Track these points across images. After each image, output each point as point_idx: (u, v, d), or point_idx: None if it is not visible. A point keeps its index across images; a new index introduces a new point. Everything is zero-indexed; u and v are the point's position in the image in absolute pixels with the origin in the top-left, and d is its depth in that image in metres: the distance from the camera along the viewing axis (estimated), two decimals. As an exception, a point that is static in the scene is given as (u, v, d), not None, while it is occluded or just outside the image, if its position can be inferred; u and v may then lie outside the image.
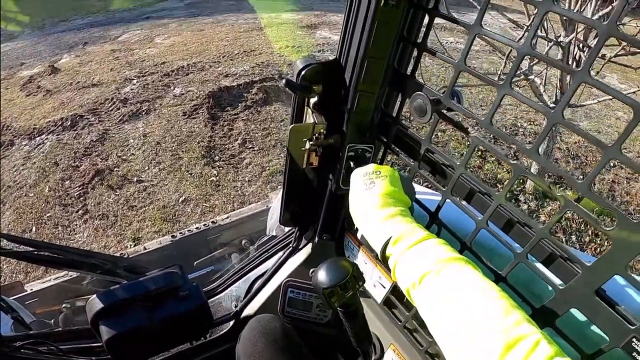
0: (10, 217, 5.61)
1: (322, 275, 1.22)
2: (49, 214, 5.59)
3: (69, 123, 7.60)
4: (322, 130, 1.43)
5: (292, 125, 1.43)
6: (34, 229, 5.33)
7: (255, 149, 6.51)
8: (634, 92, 3.78)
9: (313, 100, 1.41)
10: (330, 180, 1.60)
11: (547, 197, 5.40)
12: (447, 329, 0.85)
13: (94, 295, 1.49)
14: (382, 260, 1.09)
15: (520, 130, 7.17)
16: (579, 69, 0.80)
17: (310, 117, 1.46)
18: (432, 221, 1.35)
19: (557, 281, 1.04)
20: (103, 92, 8.61)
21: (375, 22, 1.19)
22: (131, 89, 8.58)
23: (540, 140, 0.93)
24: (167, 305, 1.58)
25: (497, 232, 1.14)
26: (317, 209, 1.78)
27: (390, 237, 1.05)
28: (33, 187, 6.10)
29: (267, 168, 6.05)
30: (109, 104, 8.06)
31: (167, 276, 1.65)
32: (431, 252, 0.97)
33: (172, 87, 8.52)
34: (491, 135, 6.50)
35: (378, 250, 1.09)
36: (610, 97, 0.85)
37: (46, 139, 7.31)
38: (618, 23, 0.75)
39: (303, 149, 1.45)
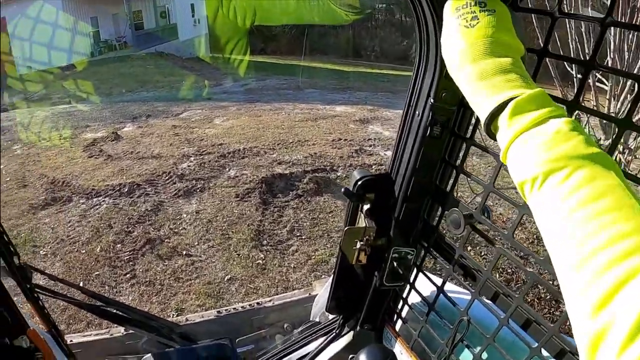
0: (60, 269, 6.09)
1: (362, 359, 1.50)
2: (97, 272, 6.06)
3: (126, 190, 8.26)
4: (372, 234, 1.74)
5: (346, 228, 1.77)
6: (81, 284, 5.76)
7: (303, 237, 6.88)
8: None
9: (366, 207, 1.74)
10: (375, 277, 1.89)
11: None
12: (578, 252, 0.65)
13: (149, 355, 1.74)
14: (487, 132, 0.88)
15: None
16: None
17: (362, 221, 1.79)
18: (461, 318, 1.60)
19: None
20: (161, 165, 9.34)
21: (422, 148, 1.54)
22: (188, 166, 9.27)
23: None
24: None
25: (516, 328, 1.39)
26: (361, 301, 2.05)
27: (508, 101, 0.82)
28: (85, 245, 6.63)
29: (313, 257, 6.37)
30: (166, 177, 8.73)
31: (219, 347, 1.91)
32: (566, 139, 0.75)
33: (227, 169, 9.14)
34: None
35: (483, 116, 0.87)
36: None
37: (103, 201, 7.95)
38: None
39: (354, 248, 1.77)
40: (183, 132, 11.62)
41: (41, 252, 6.67)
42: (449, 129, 1.49)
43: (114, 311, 2.08)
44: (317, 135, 11.40)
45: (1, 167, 9.86)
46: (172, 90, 17.77)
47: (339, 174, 8.84)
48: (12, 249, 1.72)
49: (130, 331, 3.60)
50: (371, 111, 14.10)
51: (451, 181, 1.60)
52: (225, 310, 4.10)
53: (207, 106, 14.68)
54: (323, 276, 5.82)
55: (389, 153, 10.00)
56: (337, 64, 26.84)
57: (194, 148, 10.38)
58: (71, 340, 3.26)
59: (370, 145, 10.56)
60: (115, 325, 3.09)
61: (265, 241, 6.77)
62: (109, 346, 3.36)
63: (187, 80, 20.21)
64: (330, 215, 7.50)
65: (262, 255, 6.44)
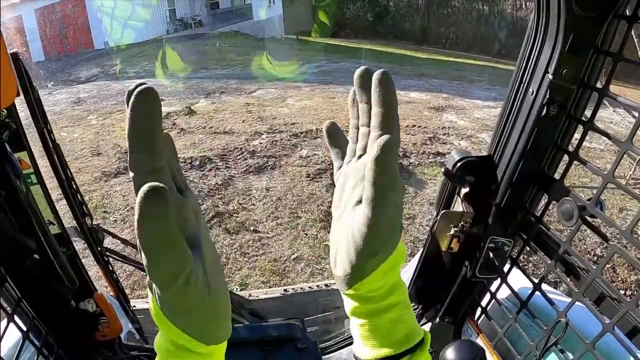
0: (129, 236, 6.18)
1: (450, 353, 1.38)
2: (165, 242, 6.20)
3: (197, 163, 8.43)
4: (468, 219, 1.63)
5: (443, 211, 1.65)
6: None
7: (373, 223, 6.79)
8: None
9: (464, 190, 1.62)
10: (465, 266, 1.77)
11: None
12: None
13: None
14: None
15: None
16: None
17: (459, 206, 1.67)
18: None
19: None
20: (233, 141, 9.46)
21: (534, 131, 1.40)
22: (260, 143, 9.37)
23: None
24: (284, 353, 1.79)
25: (622, 337, 1.25)
26: (445, 291, 1.94)
27: None
28: (155, 214, 6.81)
29: (384, 244, 6.28)
30: (237, 153, 8.85)
31: (290, 327, 1.86)
32: None
33: (299, 148, 9.18)
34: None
35: None
36: None
37: (174, 173, 8.14)
38: None
39: (448, 233, 1.66)
40: (256, 110, 11.75)
41: (111, 218, 6.91)
42: (565, 110, 1.34)
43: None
44: (391, 120, 11.16)
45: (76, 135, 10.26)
46: (246, 68, 17.96)
47: (411, 160, 8.69)
48: (85, 209, 1.71)
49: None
50: (446, 99, 13.82)
51: (561, 168, 1.45)
52: (292, 289, 4.10)
53: (280, 86, 14.76)
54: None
55: (463, 143, 9.81)
56: (412, 49, 26.37)
57: (266, 126, 10.47)
58: (134, 306, 3.34)
59: (444, 134, 10.37)
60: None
61: (334, 222, 6.73)
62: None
63: (260, 60, 20.39)
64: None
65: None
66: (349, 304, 0.80)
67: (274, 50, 23.36)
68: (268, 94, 13.67)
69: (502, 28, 28.02)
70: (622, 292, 5.65)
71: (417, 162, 8.58)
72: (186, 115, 11.41)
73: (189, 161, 8.50)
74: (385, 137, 0.68)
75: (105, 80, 16.88)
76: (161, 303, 0.65)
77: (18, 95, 1.13)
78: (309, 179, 7.88)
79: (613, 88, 1.24)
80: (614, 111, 9.74)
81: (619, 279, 5.58)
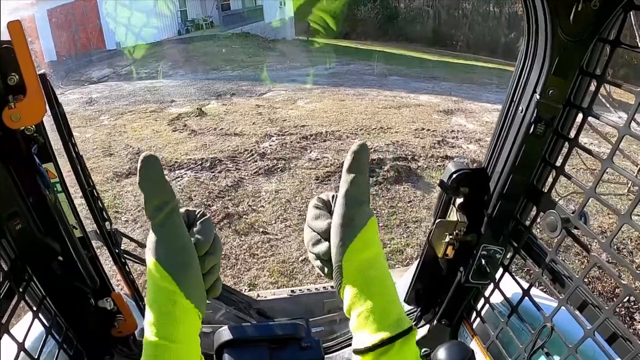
0: (140, 236, 6.26)
1: (442, 354, 1.48)
2: (176, 243, 6.31)
3: (208, 164, 8.56)
4: (462, 228, 1.72)
5: (438, 220, 1.75)
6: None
7: (380, 224, 6.86)
8: None
9: (459, 200, 1.72)
10: (460, 272, 1.84)
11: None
12: None
13: (225, 327, 1.73)
14: None
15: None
16: None
17: (454, 215, 1.76)
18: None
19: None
20: (243, 143, 9.60)
21: (523, 147, 1.49)
22: (270, 145, 9.50)
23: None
24: (289, 352, 1.78)
25: (602, 342, 1.32)
26: (442, 295, 2.02)
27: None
28: (166, 215, 6.92)
29: (388, 245, 6.35)
30: (248, 155, 8.99)
31: (295, 326, 1.92)
32: None
33: (308, 151, 9.30)
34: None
35: None
36: None
37: (185, 174, 8.29)
38: None
39: (443, 241, 1.75)
40: (266, 112, 11.87)
41: (123, 218, 7.04)
42: (552, 127, 1.44)
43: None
44: (400, 123, 11.35)
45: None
46: (257, 70, 18.11)
47: (420, 163, 8.75)
48: (104, 214, 1.83)
49: (207, 301, 3.75)
50: (456, 102, 13.87)
51: (549, 182, 1.55)
52: (299, 290, 4.17)
53: (291, 88, 14.89)
54: (397, 266, 5.81)
55: (472, 147, 9.85)
56: (422, 52, 26.40)
57: (277, 128, 10.60)
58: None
59: (453, 138, 10.42)
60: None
61: (342, 225, 6.80)
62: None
63: (271, 61, 20.52)
64: (409, 205, 7.46)
65: (337, 240, 6.47)
66: (348, 292, 1.00)
67: (284, 51, 23.49)
68: (278, 96, 13.80)
69: (512, 30, 27.94)
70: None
71: (426, 166, 8.64)
72: (197, 116, 11.57)
73: (200, 162, 8.63)
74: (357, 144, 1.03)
75: (117, 80, 17.10)
76: (150, 236, 0.98)
77: (45, 112, 1.25)
78: (317, 181, 7.98)
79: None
80: (619, 118, 9.75)
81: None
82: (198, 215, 1.06)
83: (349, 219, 1.01)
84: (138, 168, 0.94)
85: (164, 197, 0.97)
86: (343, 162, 1.06)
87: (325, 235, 1.06)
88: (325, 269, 1.07)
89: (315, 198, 1.15)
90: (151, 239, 0.98)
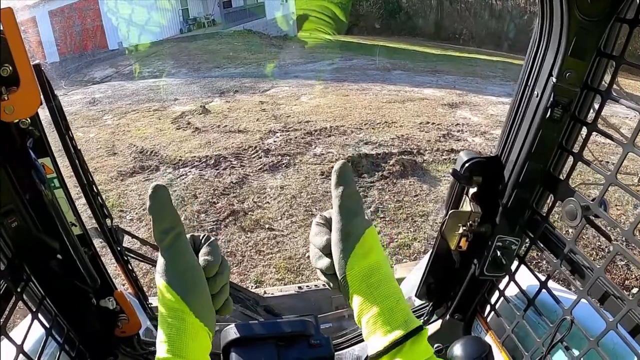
0: (145, 235, 6.32)
1: (458, 349, 1.44)
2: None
3: (212, 162, 8.53)
4: (476, 219, 1.66)
5: (451, 211, 1.69)
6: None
7: (387, 219, 6.83)
8: None
9: (472, 190, 1.65)
10: (474, 265, 1.78)
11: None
12: None
13: (232, 325, 1.70)
14: None
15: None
16: None
17: (467, 205, 1.70)
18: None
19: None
20: (248, 140, 9.56)
21: (539, 133, 1.42)
22: (274, 141, 9.46)
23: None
24: (297, 349, 1.74)
25: (625, 335, 1.27)
26: (455, 289, 1.96)
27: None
28: (170, 213, 6.91)
29: (395, 240, 6.31)
30: (252, 152, 8.95)
31: (303, 323, 1.88)
32: None
33: (313, 146, 9.25)
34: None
35: None
36: None
37: (189, 171, 8.26)
38: None
39: (456, 232, 1.69)
40: (270, 108, 11.83)
41: (127, 216, 7.03)
42: (569, 112, 1.37)
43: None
44: (405, 117, 11.30)
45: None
46: (260, 67, 18.08)
47: (425, 157, 8.70)
48: (105, 211, 1.78)
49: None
50: (460, 96, 13.80)
51: (566, 169, 1.48)
52: (307, 286, 4.13)
53: (294, 84, 14.84)
54: (404, 260, 5.76)
55: (477, 139, 9.79)
56: (425, 46, 26.29)
57: (281, 124, 10.57)
58: (152, 304, 3.43)
59: (458, 131, 10.37)
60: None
61: (348, 221, 6.77)
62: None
63: (274, 58, 20.49)
64: (415, 199, 7.40)
65: (344, 235, 6.44)
66: (355, 301, 1.02)
67: (286, 48, 23.45)
68: (282, 92, 13.76)
69: (515, 23, 27.79)
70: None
71: (431, 159, 8.58)
72: (200, 114, 11.54)
73: (204, 160, 8.60)
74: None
75: (120, 80, 17.10)
76: (159, 259, 1.01)
77: (40, 104, 1.20)
78: (323, 177, 7.92)
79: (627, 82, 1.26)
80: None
81: (633, 276, 5.57)
82: (203, 239, 1.10)
83: (346, 233, 1.05)
84: (148, 196, 1.00)
85: (170, 221, 1.01)
86: (348, 157, 1.03)
87: (325, 250, 1.09)
88: (332, 283, 1.09)
89: (317, 216, 1.18)
90: (160, 262, 1.02)
